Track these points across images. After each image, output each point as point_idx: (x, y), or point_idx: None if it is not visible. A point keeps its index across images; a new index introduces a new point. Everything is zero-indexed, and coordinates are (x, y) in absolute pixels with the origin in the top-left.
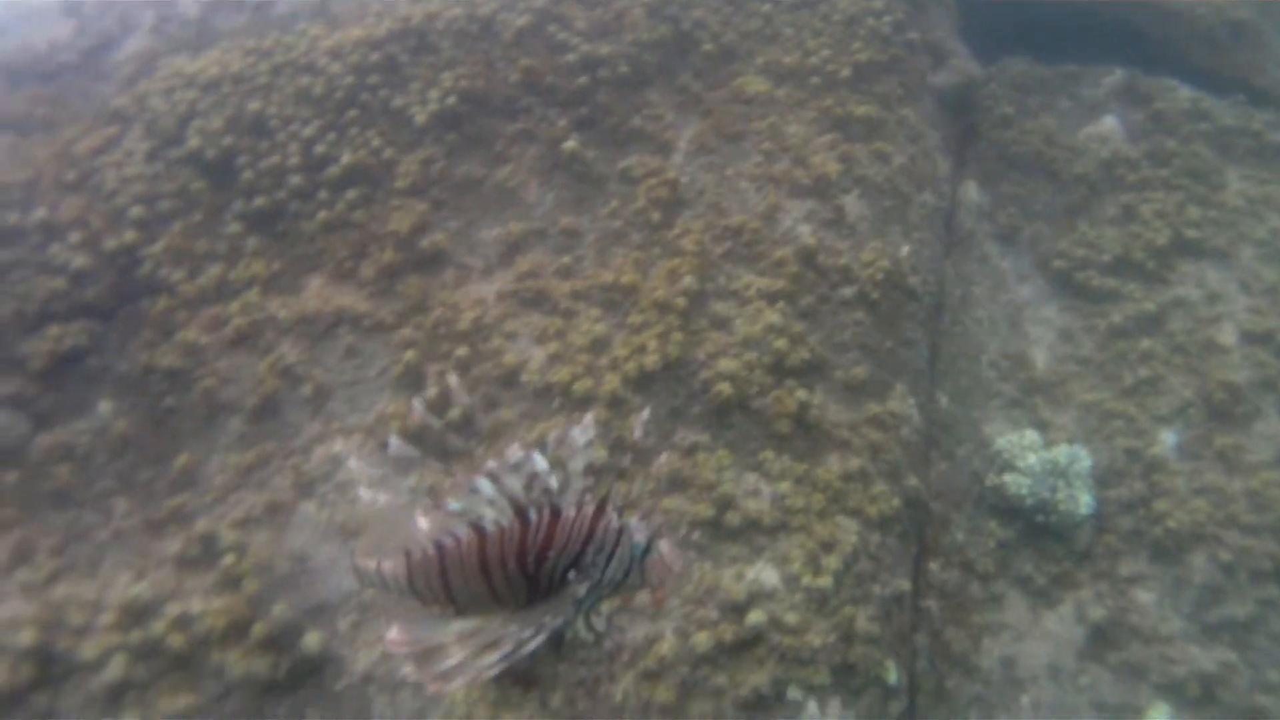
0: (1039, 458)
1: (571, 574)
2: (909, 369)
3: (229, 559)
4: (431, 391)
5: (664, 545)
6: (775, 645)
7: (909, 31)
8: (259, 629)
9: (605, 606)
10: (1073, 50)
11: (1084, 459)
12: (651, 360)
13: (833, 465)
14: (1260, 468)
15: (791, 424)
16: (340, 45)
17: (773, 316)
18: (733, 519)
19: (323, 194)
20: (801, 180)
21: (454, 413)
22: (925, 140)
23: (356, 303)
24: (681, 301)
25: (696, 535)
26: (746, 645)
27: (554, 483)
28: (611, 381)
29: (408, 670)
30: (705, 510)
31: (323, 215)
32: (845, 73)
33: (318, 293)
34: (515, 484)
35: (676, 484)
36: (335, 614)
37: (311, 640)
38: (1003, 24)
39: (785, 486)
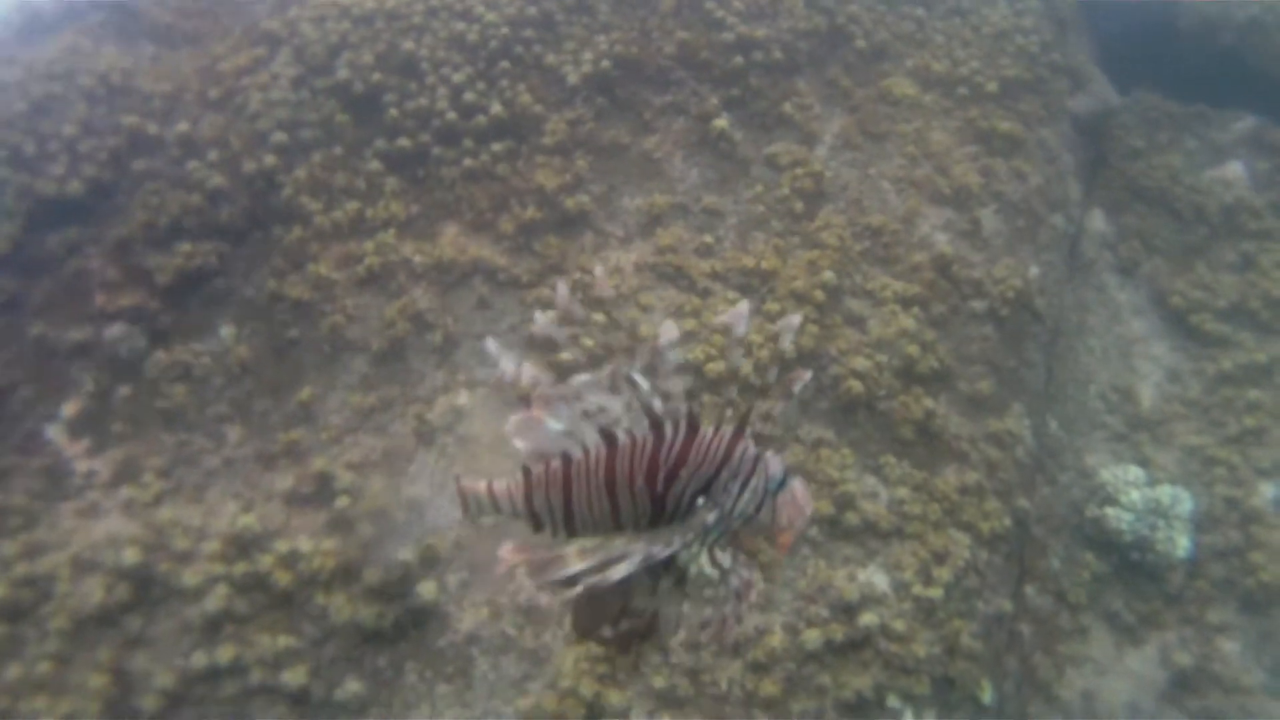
0: (1142, 495)
1: (701, 499)
2: (1027, 390)
3: (343, 500)
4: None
5: (797, 483)
6: (881, 650)
7: (1054, 53)
8: (370, 574)
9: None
10: (1205, 91)
11: (1186, 501)
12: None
13: (950, 477)
14: None
15: (915, 430)
16: None
17: (907, 321)
18: (851, 519)
19: (467, 142)
20: (942, 188)
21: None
22: (1060, 163)
23: (493, 255)
24: (819, 294)
25: (814, 531)
26: (854, 647)
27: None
28: (745, 366)
29: (524, 578)
30: (825, 507)
31: (467, 163)
32: (992, 86)
33: (453, 241)
34: (648, 389)
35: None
36: (445, 569)
37: (427, 589)
38: (1138, 55)
39: (903, 492)
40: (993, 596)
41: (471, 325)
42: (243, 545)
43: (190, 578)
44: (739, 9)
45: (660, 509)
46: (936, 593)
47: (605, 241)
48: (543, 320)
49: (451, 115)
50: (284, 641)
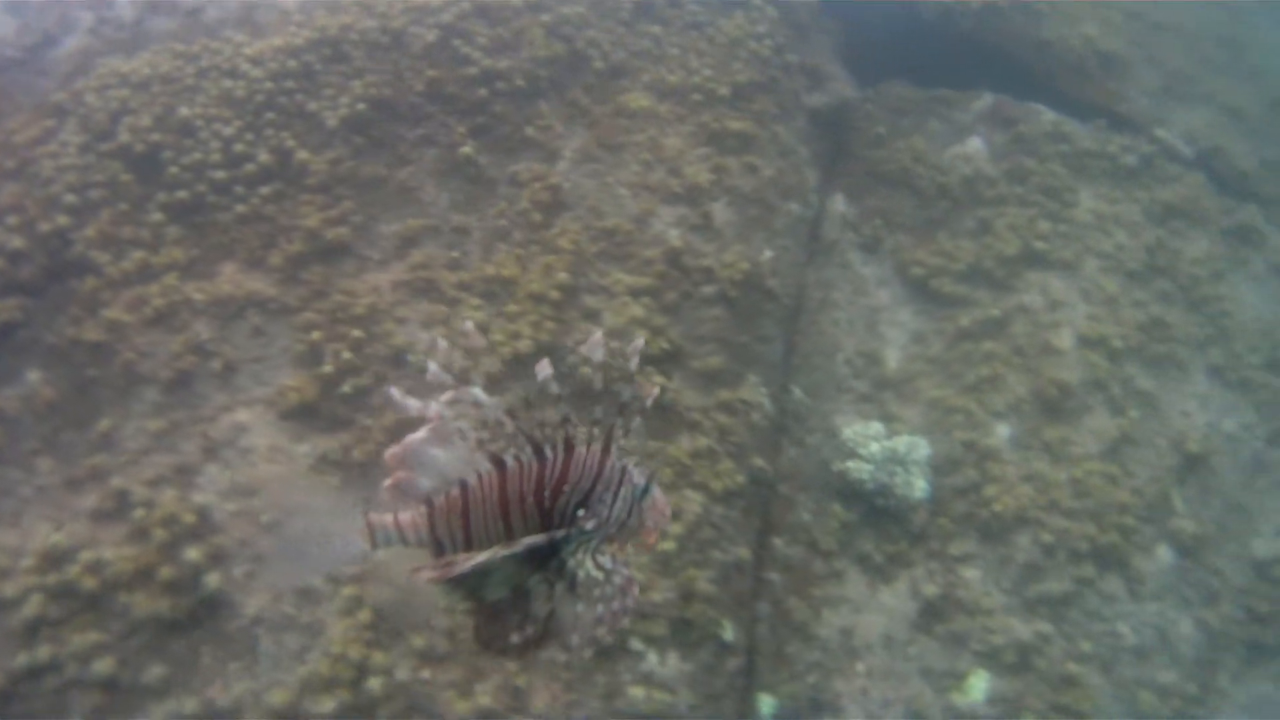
0: (880, 446)
1: (581, 511)
2: (763, 362)
3: (139, 512)
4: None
5: (657, 490)
6: None
7: (788, 54)
8: (164, 573)
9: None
10: (952, 76)
11: (922, 448)
12: (525, 345)
13: (683, 443)
14: (1084, 459)
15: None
16: (261, 52)
17: (637, 310)
18: None
19: (239, 189)
20: (675, 188)
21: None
22: (796, 155)
23: (265, 288)
24: (556, 294)
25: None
26: None
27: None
28: (488, 363)
29: (422, 574)
30: None
31: (238, 208)
32: (724, 91)
33: (230, 278)
34: (532, 417)
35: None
36: (232, 563)
37: (212, 580)
38: (887, 51)
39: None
40: (730, 546)
41: (248, 352)
42: (55, 559)
43: (9, 590)
44: (483, 44)
45: (548, 524)
46: (670, 545)
47: (365, 265)
48: (434, 370)
49: (222, 171)
50: (93, 638)
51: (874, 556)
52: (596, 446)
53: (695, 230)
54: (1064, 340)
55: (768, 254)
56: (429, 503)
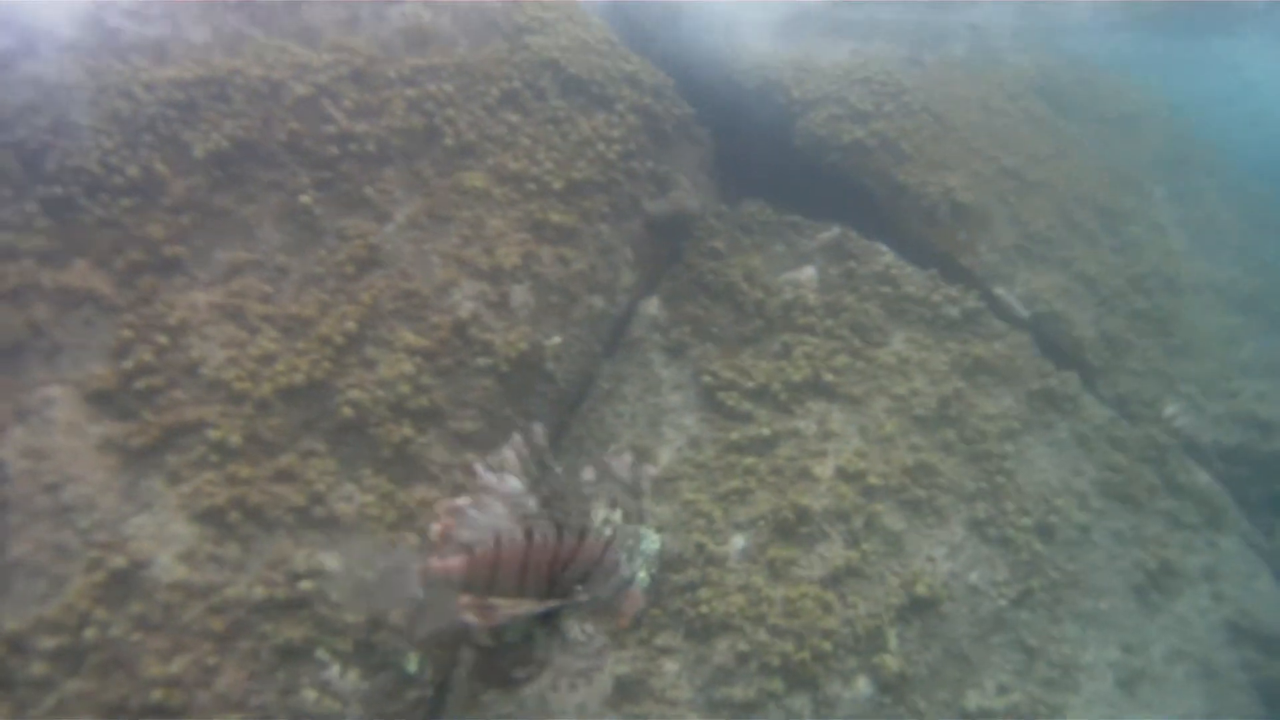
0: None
1: (579, 587)
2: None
3: None
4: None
5: (636, 585)
6: (316, 613)
7: (637, 161)
8: None
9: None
10: (812, 203)
11: (653, 542)
12: (299, 379)
13: (416, 491)
14: (804, 581)
15: (393, 451)
16: (155, 80)
17: (408, 367)
18: (319, 512)
19: (104, 196)
20: (482, 265)
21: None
22: (615, 254)
23: (103, 286)
24: (340, 339)
25: (290, 518)
26: (294, 606)
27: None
28: (264, 388)
29: (467, 616)
30: (298, 498)
31: (99, 213)
32: (558, 185)
33: (79, 272)
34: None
35: (283, 476)
36: (9, 511)
37: None
38: (756, 169)
39: (370, 499)
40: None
41: (76, 337)
42: None
43: None
44: (348, 107)
45: (552, 589)
46: (370, 575)
47: (192, 283)
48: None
49: (97, 174)
50: None
51: (589, 632)
52: (603, 540)
53: (490, 306)
54: (824, 469)
55: (555, 339)
56: (469, 552)
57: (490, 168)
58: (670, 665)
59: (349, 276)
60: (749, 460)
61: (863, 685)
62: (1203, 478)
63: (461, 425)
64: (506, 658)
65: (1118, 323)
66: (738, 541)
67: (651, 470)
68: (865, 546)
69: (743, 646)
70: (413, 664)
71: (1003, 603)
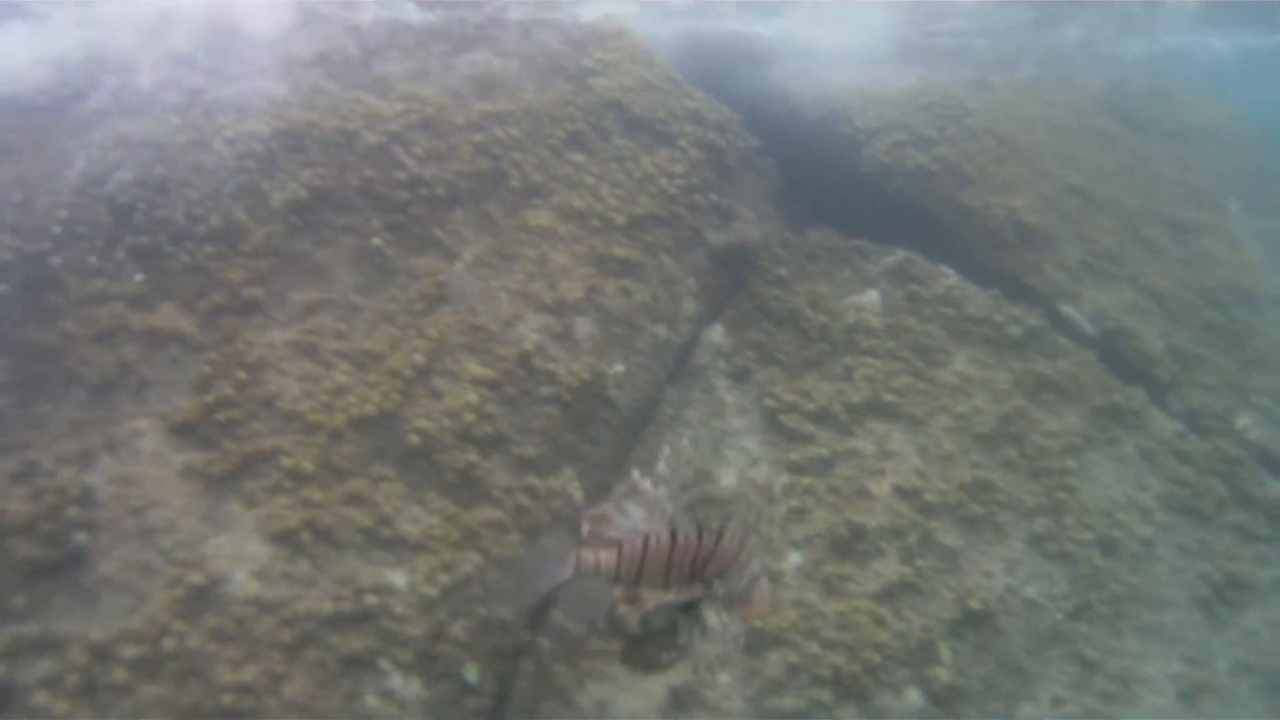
0: None
1: (716, 582)
2: (586, 461)
3: (40, 480)
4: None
5: (764, 581)
6: (380, 626)
7: (698, 195)
8: (45, 527)
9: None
10: (877, 229)
11: None
12: (370, 409)
13: (479, 513)
14: (859, 596)
15: (458, 476)
16: (237, 135)
17: (472, 396)
18: (386, 532)
19: (189, 244)
20: (547, 299)
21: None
22: (678, 285)
23: (188, 327)
24: (409, 372)
25: (355, 537)
26: (360, 619)
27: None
28: (337, 419)
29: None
30: (367, 520)
31: (184, 259)
32: (621, 220)
33: (166, 314)
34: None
35: (353, 500)
36: (100, 533)
37: (80, 539)
38: (822, 196)
39: (436, 520)
40: (496, 605)
41: (163, 374)
42: None
43: None
44: (419, 154)
45: (692, 580)
46: (433, 591)
47: (269, 323)
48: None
49: (182, 223)
50: None
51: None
52: (737, 539)
53: (554, 338)
54: (881, 488)
55: (618, 368)
56: (619, 547)
57: (556, 206)
58: (724, 676)
59: (418, 313)
60: (808, 480)
61: (913, 697)
62: (1277, 489)
63: (524, 451)
64: (652, 644)
65: (1188, 336)
66: (794, 558)
67: (783, 480)
68: (920, 563)
69: (794, 659)
70: (473, 674)
71: (1060, 616)
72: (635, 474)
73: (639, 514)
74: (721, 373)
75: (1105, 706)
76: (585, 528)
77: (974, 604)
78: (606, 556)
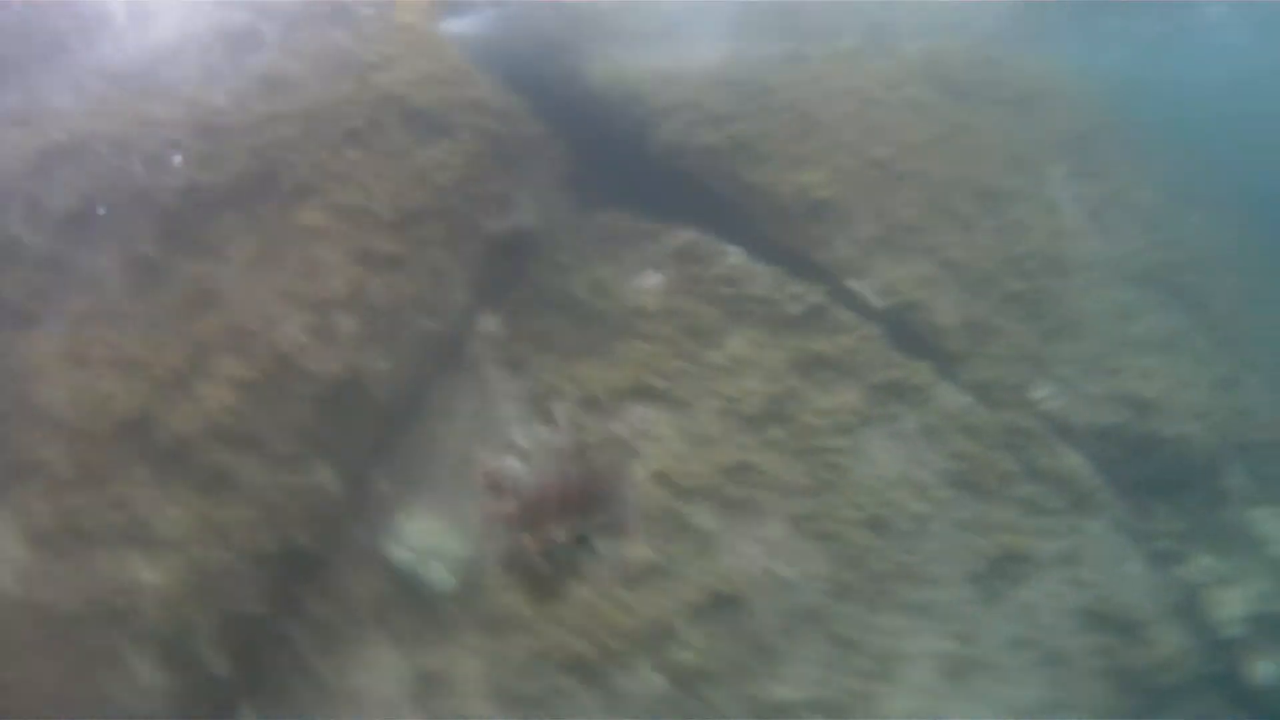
0: (422, 539)
1: (602, 513)
2: (342, 455)
3: None
4: None
5: (637, 507)
6: (131, 621)
7: (475, 185)
8: None
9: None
10: (673, 211)
11: (458, 548)
12: (132, 414)
13: (233, 511)
14: (604, 582)
15: (212, 476)
16: (19, 146)
17: (229, 398)
18: (139, 532)
19: None
20: (311, 298)
21: None
22: (449, 277)
23: None
24: (170, 377)
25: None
26: (111, 615)
27: None
28: (101, 425)
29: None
30: (123, 521)
31: None
32: (391, 216)
33: None
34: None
35: (112, 502)
36: None
37: None
38: (613, 178)
39: (189, 518)
40: (236, 591)
41: None
42: None
43: None
44: (195, 159)
45: (582, 514)
46: (183, 587)
47: (46, 335)
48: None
49: None
50: None
51: (401, 629)
52: (617, 471)
53: (316, 336)
54: (636, 473)
55: (380, 364)
56: (517, 495)
57: (327, 205)
58: (472, 662)
59: (185, 318)
60: None
61: (653, 679)
62: (1072, 460)
63: (277, 448)
64: (556, 576)
65: (986, 307)
66: None
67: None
68: (671, 547)
69: (535, 644)
70: (219, 664)
71: (819, 596)
72: (517, 432)
73: (527, 465)
74: (495, 362)
75: (861, 685)
76: (484, 482)
77: (724, 586)
78: (508, 506)
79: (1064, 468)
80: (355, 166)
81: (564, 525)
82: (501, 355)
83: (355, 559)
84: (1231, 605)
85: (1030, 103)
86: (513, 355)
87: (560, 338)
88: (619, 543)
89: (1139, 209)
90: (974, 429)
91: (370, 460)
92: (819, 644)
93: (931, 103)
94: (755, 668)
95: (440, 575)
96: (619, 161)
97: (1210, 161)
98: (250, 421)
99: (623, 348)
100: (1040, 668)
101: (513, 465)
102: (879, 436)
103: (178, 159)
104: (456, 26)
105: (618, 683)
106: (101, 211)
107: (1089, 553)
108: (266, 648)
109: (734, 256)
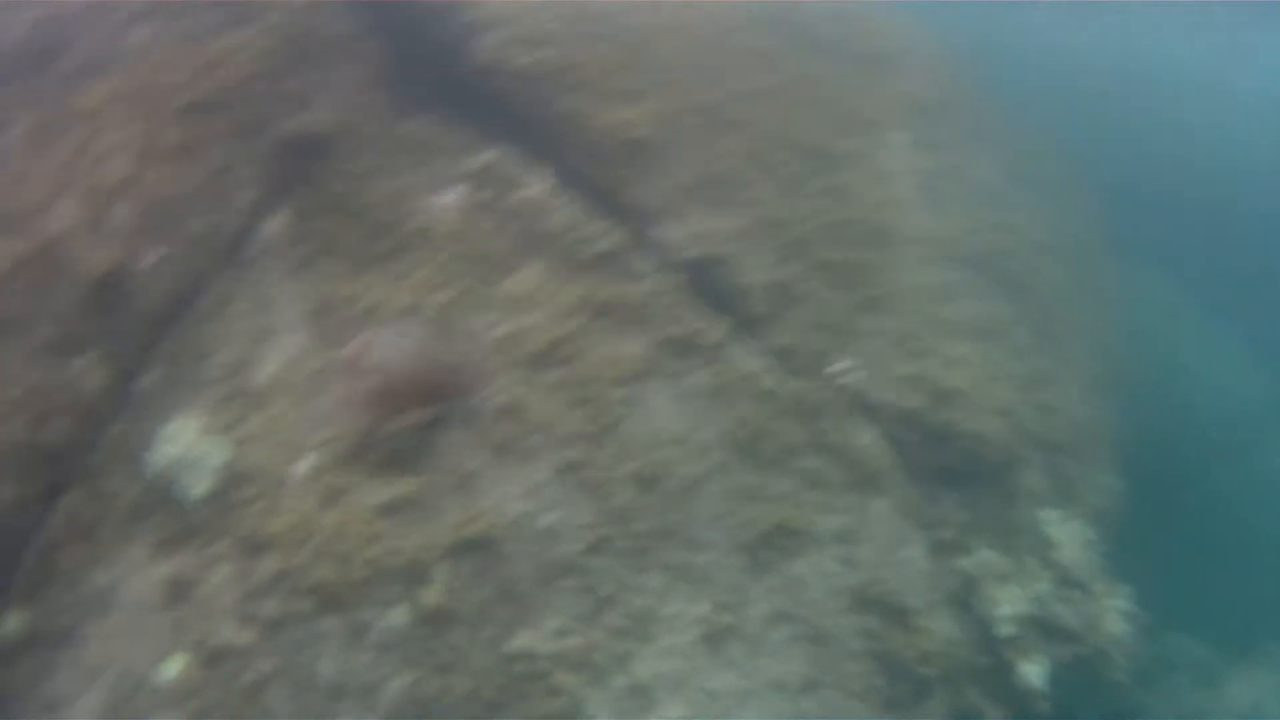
0: (182, 445)
1: (459, 399)
2: (108, 352)
3: None
4: None
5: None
6: None
7: (269, 80)
8: None
9: None
10: (484, 128)
11: (216, 457)
12: None
13: None
14: (364, 511)
15: None
16: None
17: None
18: None
19: None
20: (85, 184)
21: None
22: (234, 174)
23: None
24: None
25: None
26: None
27: None
28: None
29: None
30: None
31: None
32: (178, 104)
33: None
34: None
35: None
36: None
37: None
38: (431, 85)
39: None
40: None
41: None
42: None
43: None
44: None
45: (438, 399)
46: None
47: None
48: None
49: None
50: None
51: (153, 536)
52: (476, 367)
53: (85, 225)
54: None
55: (150, 259)
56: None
57: (113, 87)
58: (220, 571)
59: None
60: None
61: (398, 615)
62: (864, 439)
63: (30, 342)
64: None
65: (797, 270)
66: (303, 463)
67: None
68: (429, 479)
69: (283, 565)
70: None
71: (578, 548)
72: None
73: (390, 347)
74: (276, 265)
75: (613, 642)
76: (345, 360)
77: (479, 527)
78: (371, 385)
79: (854, 445)
80: (144, 51)
81: (423, 408)
82: (283, 259)
83: (115, 459)
84: (1008, 603)
85: (881, 63)
86: (296, 259)
87: (348, 246)
88: (471, 433)
89: (976, 187)
90: (765, 395)
91: (136, 358)
92: (574, 597)
93: (773, 51)
94: (504, 615)
95: (197, 481)
96: (435, 70)
97: (1059, 143)
98: (10, 305)
99: (409, 265)
100: (801, 643)
101: (378, 345)
102: (663, 391)
103: None
104: None
105: (361, 615)
106: None
107: (868, 534)
108: (14, 539)
109: (538, 187)
